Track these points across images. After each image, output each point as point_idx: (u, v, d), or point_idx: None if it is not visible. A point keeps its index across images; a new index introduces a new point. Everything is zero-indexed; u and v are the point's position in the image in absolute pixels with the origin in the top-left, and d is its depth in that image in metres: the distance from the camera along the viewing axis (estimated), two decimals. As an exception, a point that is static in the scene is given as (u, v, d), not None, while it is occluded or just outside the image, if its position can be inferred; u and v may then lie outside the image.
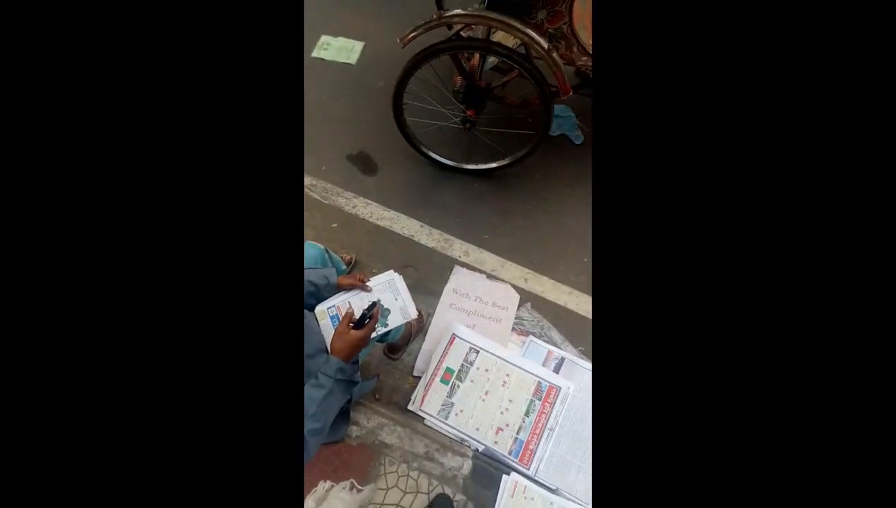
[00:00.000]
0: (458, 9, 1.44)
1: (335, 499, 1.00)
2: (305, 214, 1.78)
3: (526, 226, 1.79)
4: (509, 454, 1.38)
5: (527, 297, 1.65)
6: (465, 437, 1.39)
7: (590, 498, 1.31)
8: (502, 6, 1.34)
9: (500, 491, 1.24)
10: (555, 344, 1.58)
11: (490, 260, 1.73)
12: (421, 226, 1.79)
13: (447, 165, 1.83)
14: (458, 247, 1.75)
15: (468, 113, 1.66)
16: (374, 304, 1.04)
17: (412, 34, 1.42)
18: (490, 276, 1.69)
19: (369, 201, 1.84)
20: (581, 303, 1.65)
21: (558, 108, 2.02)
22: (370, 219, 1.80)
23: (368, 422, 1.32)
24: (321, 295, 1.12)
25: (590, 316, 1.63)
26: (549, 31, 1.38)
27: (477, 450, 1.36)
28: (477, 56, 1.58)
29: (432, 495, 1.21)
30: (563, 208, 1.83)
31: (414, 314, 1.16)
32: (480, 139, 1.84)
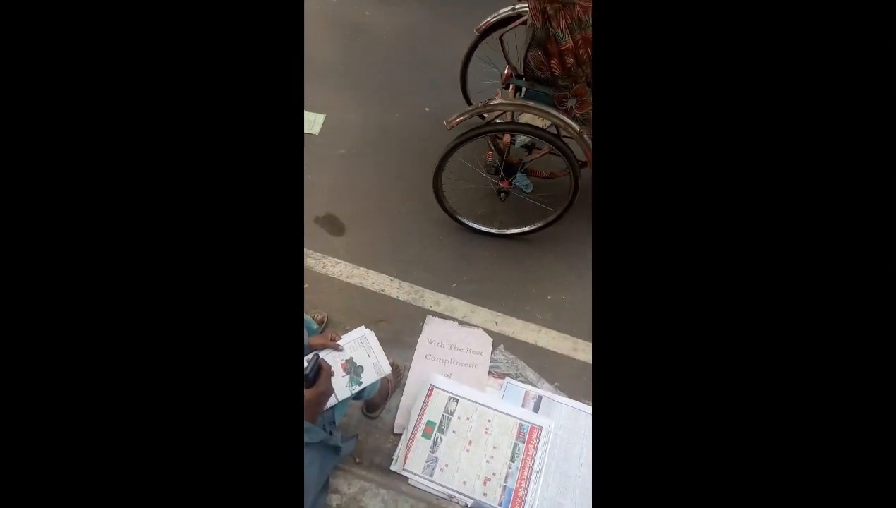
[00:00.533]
0: (495, 97, 1.68)
1: None
2: None
3: (491, 271, 1.88)
4: (499, 505, 1.34)
5: (499, 340, 1.69)
6: (453, 493, 1.34)
7: (585, 541, 1.27)
8: (538, 96, 1.60)
9: (493, 546, 1.19)
10: (531, 383, 1.60)
11: (460, 306, 1.78)
12: (391, 279, 1.83)
13: (486, 232, 1.93)
14: (428, 298, 1.79)
15: (503, 184, 1.85)
16: (315, 356, 1.02)
17: (459, 119, 1.63)
18: (462, 323, 1.73)
19: (338, 260, 1.87)
20: (550, 340, 1.71)
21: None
22: (340, 278, 1.82)
23: (349, 488, 1.25)
24: None
25: (559, 351, 1.68)
26: (578, 116, 1.62)
27: (466, 506, 1.32)
28: (508, 135, 1.79)
29: None
30: (524, 251, 1.94)
31: (387, 369, 1.17)
32: (511, 207, 1.96)
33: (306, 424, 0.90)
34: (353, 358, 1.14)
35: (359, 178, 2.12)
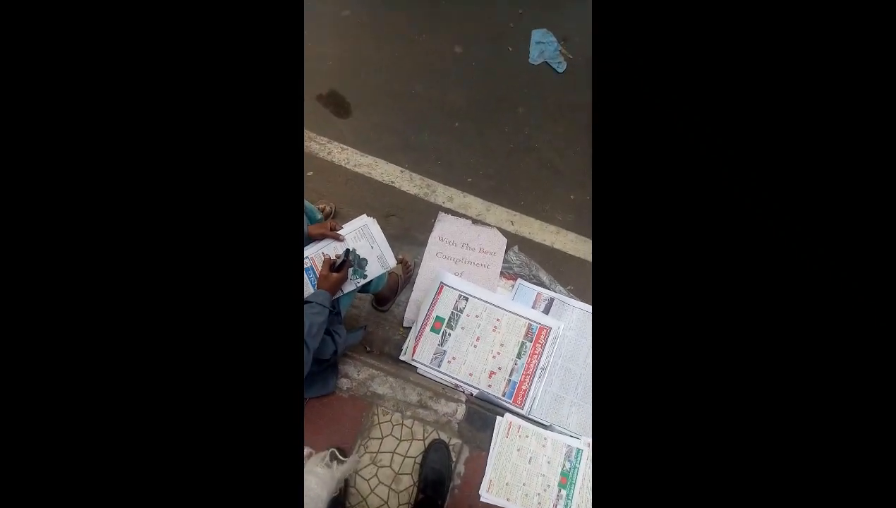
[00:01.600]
0: None
1: (309, 474, 0.94)
2: None
3: (510, 165, 1.70)
4: (503, 396, 1.39)
5: (514, 240, 1.60)
6: (459, 383, 1.39)
7: (582, 430, 1.34)
8: None
9: (494, 432, 1.26)
10: (544, 286, 1.55)
11: (475, 204, 1.65)
12: (401, 171, 1.68)
13: None
14: (441, 193, 1.66)
15: None
16: (347, 252, 1.04)
17: None
18: (475, 221, 1.63)
19: (344, 146, 1.71)
20: (568, 243, 1.61)
21: (539, 34, 1.86)
22: (347, 166, 1.68)
23: (359, 374, 1.29)
24: None
25: (577, 254, 1.60)
26: None
27: (471, 395, 1.37)
28: None
29: (428, 440, 1.22)
30: (548, 145, 1.73)
31: (393, 262, 1.11)
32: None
33: (323, 293, 1.01)
34: (355, 249, 1.07)
35: (363, 47, 1.83)
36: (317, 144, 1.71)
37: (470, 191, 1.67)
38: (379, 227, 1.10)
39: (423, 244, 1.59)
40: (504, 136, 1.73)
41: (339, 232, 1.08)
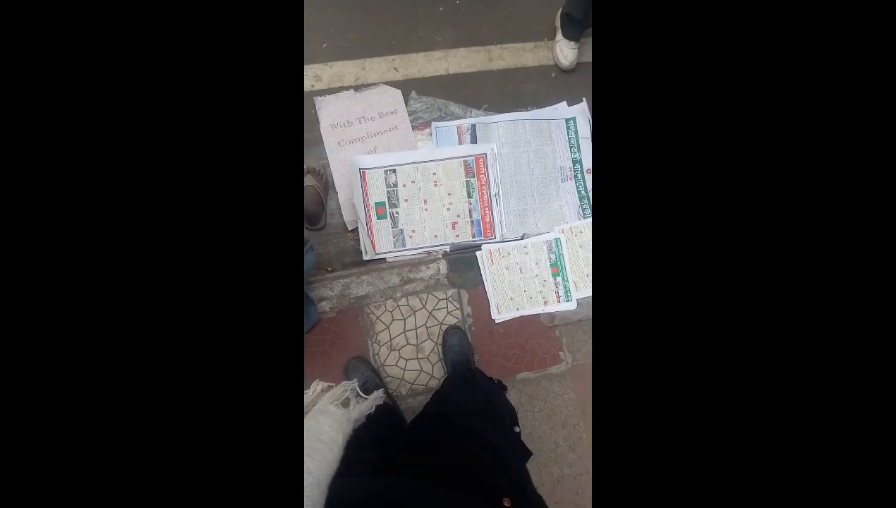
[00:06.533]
0: None
1: (321, 414, 0.83)
2: None
3: (363, 8, 1.46)
4: (473, 238, 1.40)
5: (407, 87, 1.45)
6: (430, 249, 1.37)
7: (552, 225, 1.39)
8: None
9: (480, 266, 1.29)
10: (459, 117, 1.46)
11: (347, 68, 1.44)
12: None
13: None
14: (307, 75, 1.43)
15: None
16: None
17: None
18: (358, 88, 1.44)
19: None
20: (461, 60, 1.48)
21: None
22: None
23: (333, 290, 1.24)
24: None
25: (474, 69, 1.48)
26: None
27: (445, 252, 1.37)
28: None
29: (443, 327, 1.23)
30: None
31: None
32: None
33: None
34: None
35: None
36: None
37: (334, 57, 1.44)
38: None
39: (319, 141, 1.41)
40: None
41: None
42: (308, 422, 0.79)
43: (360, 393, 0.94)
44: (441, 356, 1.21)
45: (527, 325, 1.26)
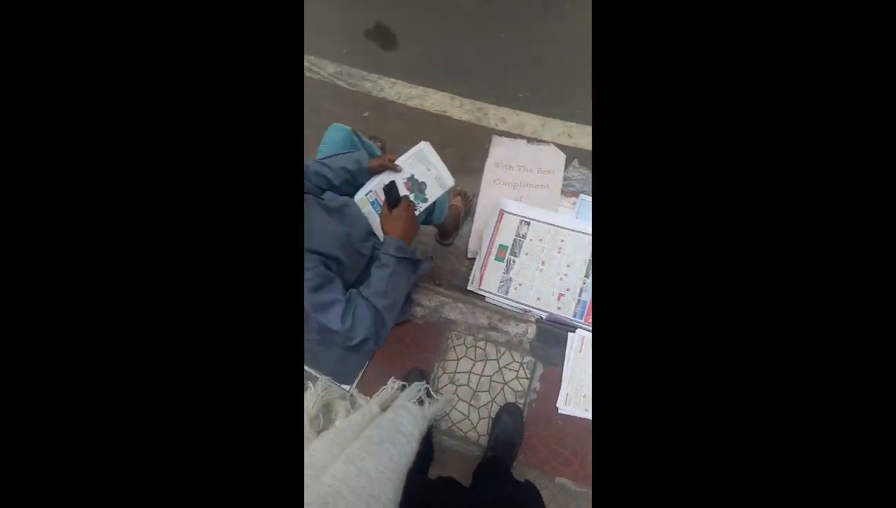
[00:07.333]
0: None
1: (402, 409, 0.90)
2: (335, 105, 1.68)
3: (563, 71, 1.55)
4: (574, 316, 1.38)
5: (572, 154, 1.50)
6: (528, 308, 1.40)
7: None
8: None
9: (567, 349, 1.26)
10: (613, 202, 1.45)
11: (529, 121, 1.55)
12: (451, 98, 1.62)
13: None
14: (493, 115, 1.58)
15: None
16: (391, 183, 1.02)
17: None
18: (531, 140, 1.53)
19: (395, 80, 1.67)
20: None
21: None
22: (399, 101, 1.65)
23: (430, 302, 1.35)
24: (357, 180, 1.08)
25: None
26: None
27: (540, 318, 1.38)
28: None
29: (502, 360, 1.26)
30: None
31: (451, 182, 1.10)
32: None
33: (397, 242, 0.94)
34: (413, 175, 1.08)
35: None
36: (370, 82, 1.69)
37: (523, 109, 1.56)
38: (433, 149, 1.09)
39: (480, 172, 1.55)
40: (553, 40, 1.56)
41: (396, 162, 1.08)
42: (389, 414, 0.90)
43: (432, 394, 1.03)
44: (490, 424, 1.21)
45: (587, 431, 1.20)
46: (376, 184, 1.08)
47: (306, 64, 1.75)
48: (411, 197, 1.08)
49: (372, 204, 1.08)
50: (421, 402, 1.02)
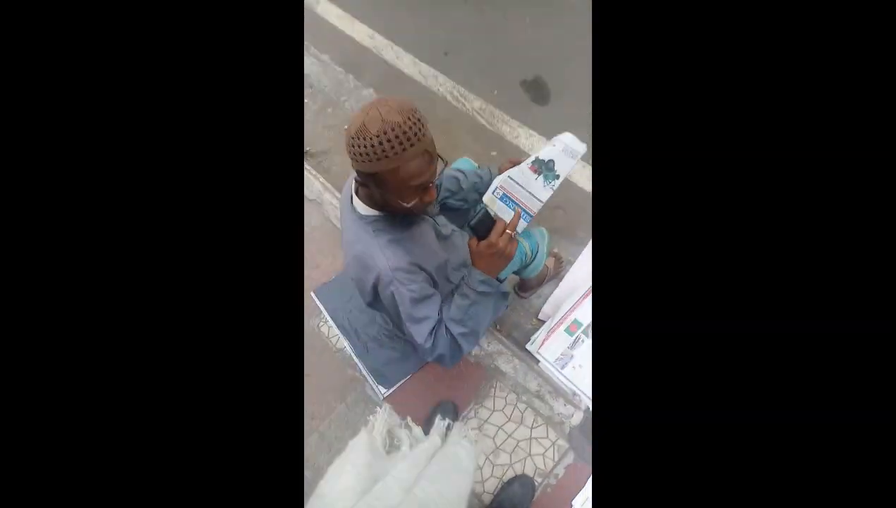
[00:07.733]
0: None
1: (458, 446, 0.93)
2: (468, 137, 1.79)
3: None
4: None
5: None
6: (579, 392, 1.34)
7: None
8: None
9: (605, 454, 1.19)
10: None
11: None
12: (583, 167, 1.65)
13: None
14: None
15: None
16: (482, 209, 0.90)
17: None
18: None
19: (533, 133, 1.75)
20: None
21: None
22: (530, 152, 1.72)
23: (488, 346, 1.36)
24: (483, 189, 1.13)
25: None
26: None
27: (588, 408, 1.31)
28: None
29: (518, 471, 1.19)
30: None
31: (582, 148, 1.01)
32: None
33: (481, 275, 0.89)
34: (538, 156, 1.02)
35: (584, 33, 1.80)
36: (508, 127, 1.78)
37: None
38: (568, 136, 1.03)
39: (584, 243, 1.54)
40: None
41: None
42: (447, 449, 0.93)
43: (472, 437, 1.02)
44: (499, 486, 1.17)
45: (593, 545, 1.11)
46: (502, 179, 1.05)
47: (455, 94, 1.89)
48: (540, 179, 1.01)
49: (501, 198, 1.06)
50: (470, 438, 1.04)
